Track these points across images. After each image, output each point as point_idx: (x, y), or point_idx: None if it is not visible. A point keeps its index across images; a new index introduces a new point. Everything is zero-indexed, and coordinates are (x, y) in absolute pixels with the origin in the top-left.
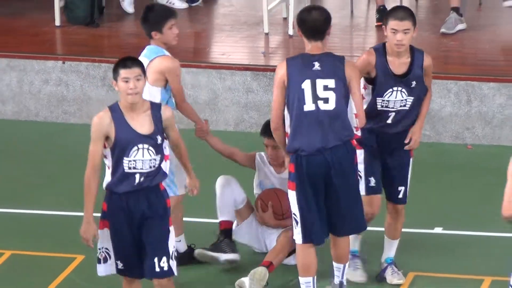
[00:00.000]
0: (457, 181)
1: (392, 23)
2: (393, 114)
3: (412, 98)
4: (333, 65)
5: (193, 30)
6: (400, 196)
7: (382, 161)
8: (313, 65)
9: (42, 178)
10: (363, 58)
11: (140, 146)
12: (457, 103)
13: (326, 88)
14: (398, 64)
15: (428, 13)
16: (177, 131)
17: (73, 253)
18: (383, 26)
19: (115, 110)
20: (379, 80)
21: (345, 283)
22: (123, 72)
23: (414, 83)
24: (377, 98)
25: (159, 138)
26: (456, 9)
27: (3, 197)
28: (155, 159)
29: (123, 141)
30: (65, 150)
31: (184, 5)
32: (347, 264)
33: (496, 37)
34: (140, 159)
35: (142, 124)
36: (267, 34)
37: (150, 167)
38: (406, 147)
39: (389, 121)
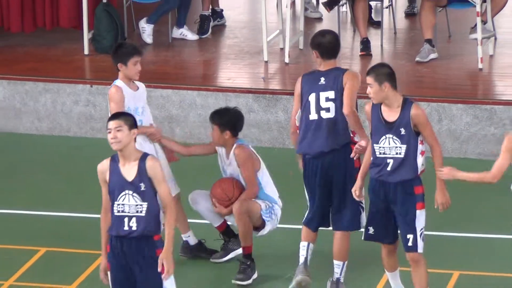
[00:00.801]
0: (430, 188)
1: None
2: (391, 161)
3: (405, 146)
4: (334, 78)
5: (203, 59)
6: (410, 244)
7: (391, 211)
8: (320, 80)
9: (72, 185)
10: (365, 110)
11: (127, 191)
12: (430, 122)
13: (327, 99)
14: (390, 113)
15: (405, 44)
16: (166, 189)
17: (100, 250)
18: None
19: (114, 158)
20: (374, 127)
21: (342, 280)
22: (107, 124)
23: (402, 130)
24: (375, 145)
25: (142, 186)
26: (429, 41)
27: (38, 201)
28: (141, 205)
29: (112, 186)
30: (92, 161)
31: (195, 37)
32: (345, 263)
33: (463, 65)
34: (127, 204)
35: (129, 171)
36: (266, 62)
37: (137, 211)
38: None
39: (388, 168)
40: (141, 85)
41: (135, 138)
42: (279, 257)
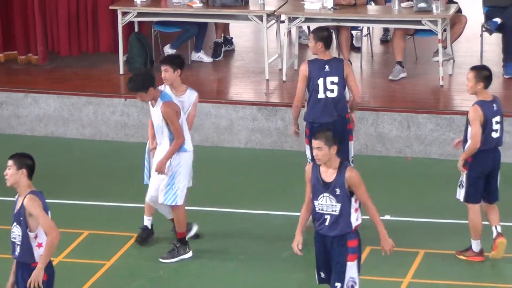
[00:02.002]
0: (400, 182)
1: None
2: (328, 217)
3: (340, 204)
4: (337, 66)
5: (216, 77)
6: None
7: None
8: (325, 67)
9: (109, 180)
10: (306, 170)
11: (15, 223)
12: (400, 128)
13: (332, 83)
14: (327, 174)
15: (380, 65)
16: (44, 222)
17: (132, 232)
18: None
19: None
20: (313, 186)
21: None
22: None
23: (338, 190)
24: (314, 201)
25: (21, 218)
26: (399, 63)
27: (83, 193)
28: (19, 235)
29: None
30: (126, 161)
31: (210, 60)
32: None
33: (428, 82)
34: (12, 231)
35: (18, 204)
36: (267, 80)
37: (18, 239)
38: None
39: (326, 223)
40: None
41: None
42: (277, 239)
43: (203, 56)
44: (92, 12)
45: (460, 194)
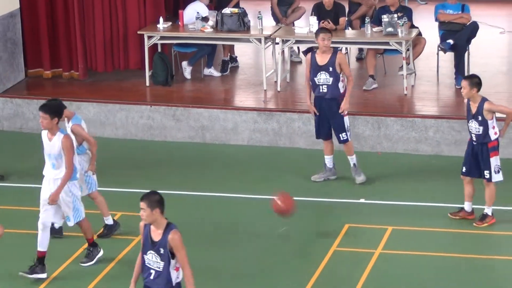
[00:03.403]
0: (372, 172)
1: None
2: (153, 272)
3: (163, 263)
4: (331, 58)
5: (223, 88)
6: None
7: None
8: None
9: (138, 171)
10: (139, 226)
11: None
12: (372, 129)
13: (327, 69)
14: (155, 233)
15: (356, 78)
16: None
17: None
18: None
19: None
20: (143, 243)
21: (356, 165)
22: None
23: (162, 249)
24: (144, 255)
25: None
26: (372, 76)
27: (114, 181)
28: (158, 263)
29: None
30: (152, 155)
31: (219, 74)
32: (353, 156)
33: (394, 91)
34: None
35: None
36: (265, 90)
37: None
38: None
39: (151, 277)
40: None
41: None
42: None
43: (213, 71)
44: (123, 36)
45: (499, 177)
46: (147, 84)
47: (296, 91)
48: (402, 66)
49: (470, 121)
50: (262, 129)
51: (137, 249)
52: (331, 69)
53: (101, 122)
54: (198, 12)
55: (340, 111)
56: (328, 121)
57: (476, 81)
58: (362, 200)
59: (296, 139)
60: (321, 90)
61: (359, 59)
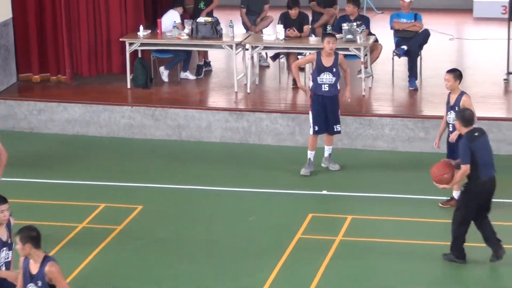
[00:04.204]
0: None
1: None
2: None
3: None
4: (335, 60)
5: (198, 90)
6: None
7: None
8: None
9: (119, 165)
10: (19, 261)
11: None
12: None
13: (331, 70)
14: (34, 266)
15: None
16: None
17: (137, 204)
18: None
19: None
20: (23, 275)
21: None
22: None
23: (39, 282)
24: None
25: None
26: None
27: (102, 175)
28: None
29: None
30: (134, 152)
31: (194, 77)
32: (331, 146)
33: (353, 93)
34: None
35: None
36: (236, 92)
37: None
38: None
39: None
40: None
41: None
42: (244, 208)
43: (188, 75)
44: (107, 43)
45: None
46: (128, 86)
47: (264, 93)
48: (360, 70)
49: (449, 112)
50: (233, 127)
51: (119, 238)
52: (334, 70)
53: (86, 122)
54: (175, 21)
55: (347, 99)
56: (324, 117)
57: (458, 74)
58: (324, 192)
59: (265, 136)
60: (323, 89)
61: None
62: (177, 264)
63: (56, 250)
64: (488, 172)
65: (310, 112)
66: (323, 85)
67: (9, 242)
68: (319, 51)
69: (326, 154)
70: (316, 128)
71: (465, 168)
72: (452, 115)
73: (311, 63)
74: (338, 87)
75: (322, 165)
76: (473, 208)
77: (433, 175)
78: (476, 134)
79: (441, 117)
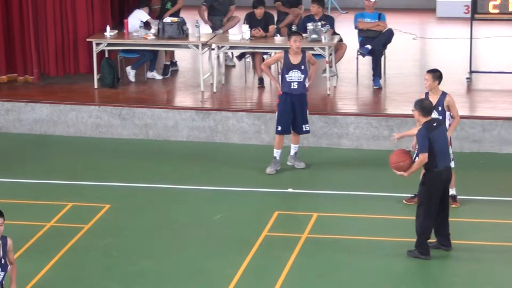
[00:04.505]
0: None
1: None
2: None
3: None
4: (303, 58)
5: (165, 90)
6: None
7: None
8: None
9: (83, 164)
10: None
11: None
12: None
13: (299, 67)
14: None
15: None
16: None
17: (103, 203)
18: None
19: None
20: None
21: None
22: None
23: (302, 67)
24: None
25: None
26: None
27: (69, 175)
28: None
29: None
30: (99, 151)
31: (161, 77)
32: (297, 145)
33: (319, 92)
34: None
35: None
36: (202, 91)
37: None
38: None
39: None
40: None
41: None
42: (209, 207)
43: (155, 75)
44: (74, 43)
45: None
46: (96, 86)
47: (230, 92)
48: (325, 69)
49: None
50: (200, 126)
51: (86, 237)
52: (303, 67)
53: (54, 122)
54: (141, 21)
55: (307, 85)
56: (291, 116)
57: (438, 75)
58: (290, 190)
59: (231, 135)
60: (292, 87)
61: None
62: (143, 262)
63: (24, 249)
64: (445, 162)
65: (277, 112)
66: (292, 83)
67: (2, 262)
68: (286, 50)
69: (292, 152)
70: (279, 128)
71: (423, 158)
72: (435, 115)
73: (279, 62)
74: (307, 86)
75: (288, 163)
76: (436, 199)
77: (391, 162)
78: (434, 124)
79: (404, 115)
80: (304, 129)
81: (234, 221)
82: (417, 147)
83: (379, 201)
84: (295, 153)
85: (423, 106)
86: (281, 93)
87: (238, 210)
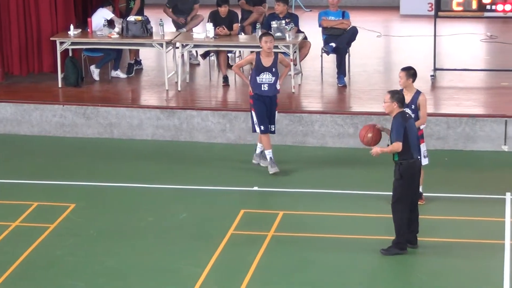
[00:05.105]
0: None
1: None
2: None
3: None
4: (274, 60)
5: (130, 89)
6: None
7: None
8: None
9: (53, 163)
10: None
11: None
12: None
13: (270, 70)
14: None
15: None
16: None
17: (70, 202)
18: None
19: None
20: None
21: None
22: None
23: (274, 69)
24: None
25: None
26: None
27: (33, 174)
28: None
29: None
30: (63, 150)
31: (125, 76)
32: (270, 150)
33: (283, 90)
34: None
35: None
36: (167, 90)
37: None
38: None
39: (266, 88)
40: None
41: None
42: (175, 206)
43: (119, 73)
44: (37, 42)
45: (425, 161)
46: (60, 85)
47: (195, 91)
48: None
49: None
50: (164, 125)
51: (52, 237)
52: (274, 69)
53: (18, 121)
54: (105, 19)
55: (278, 87)
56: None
57: (412, 72)
58: (255, 188)
59: (196, 134)
60: (262, 88)
61: None
62: (109, 262)
63: None
64: (417, 153)
65: (253, 112)
66: (262, 85)
67: None
68: (258, 51)
69: (258, 151)
70: (262, 128)
71: (398, 145)
72: (408, 112)
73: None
74: (278, 87)
75: (253, 161)
76: (413, 190)
77: (360, 137)
78: (407, 115)
79: (369, 113)
80: (271, 130)
81: (200, 219)
82: (390, 137)
83: (345, 199)
84: (261, 151)
85: (401, 97)
86: (252, 93)
87: (204, 209)
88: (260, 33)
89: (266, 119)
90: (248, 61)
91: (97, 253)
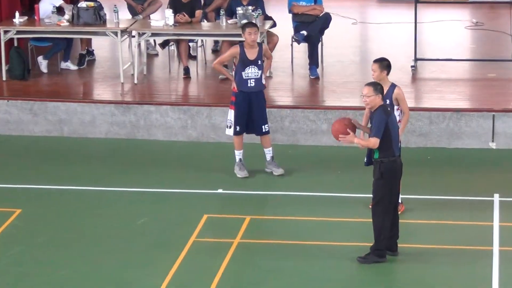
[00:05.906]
0: (230, 163)
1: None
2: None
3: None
4: (259, 52)
5: (81, 82)
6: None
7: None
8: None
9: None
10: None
11: None
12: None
13: (256, 64)
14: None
15: (212, 70)
16: None
17: (14, 208)
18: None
19: None
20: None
21: (273, 157)
22: None
23: (259, 62)
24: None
25: None
26: (226, 66)
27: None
28: None
29: None
30: (9, 149)
31: (76, 68)
32: (270, 148)
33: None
34: None
35: None
36: (122, 83)
37: None
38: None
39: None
40: None
41: None
42: (131, 210)
43: (70, 65)
44: None
45: None
46: (4, 78)
47: (153, 84)
48: None
49: None
50: (120, 121)
51: None
52: (259, 62)
53: None
54: (54, 6)
55: (264, 81)
56: (248, 116)
57: (386, 64)
58: (220, 191)
59: (154, 131)
60: (249, 85)
61: (215, 51)
62: (57, 271)
63: None
64: (398, 150)
65: (232, 110)
66: (248, 80)
67: None
68: (242, 43)
69: (267, 157)
70: (238, 129)
71: (375, 141)
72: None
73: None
74: (264, 82)
75: (266, 170)
76: (394, 191)
77: (333, 131)
78: (388, 109)
79: (345, 108)
80: (263, 130)
81: (159, 225)
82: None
83: (319, 202)
84: (271, 157)
85: (382, 89)
86: (236, 90)
87: (163, 214)
88: (224, 20)
89: (244, 120)
90: (231, 55)
91: (45, 263)
